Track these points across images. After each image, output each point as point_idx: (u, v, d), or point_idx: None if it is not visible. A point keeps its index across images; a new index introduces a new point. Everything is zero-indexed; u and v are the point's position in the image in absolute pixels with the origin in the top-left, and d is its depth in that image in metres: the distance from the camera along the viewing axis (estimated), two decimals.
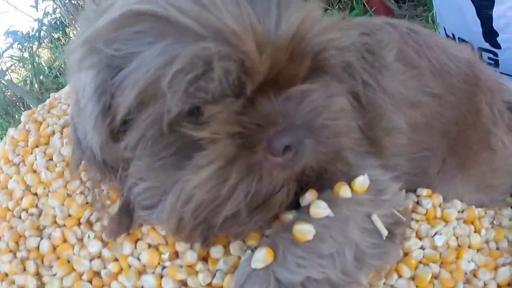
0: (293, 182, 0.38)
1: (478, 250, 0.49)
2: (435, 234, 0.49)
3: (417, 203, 0.53)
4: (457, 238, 0.49)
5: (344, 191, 0.40)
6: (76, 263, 0.45)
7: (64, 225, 0.48)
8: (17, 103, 2.18)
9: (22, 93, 2.00)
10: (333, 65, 0.41)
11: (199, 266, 0.43)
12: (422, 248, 0.48)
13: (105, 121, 0.35)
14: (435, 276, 0.47)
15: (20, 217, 0.51)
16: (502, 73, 0.64)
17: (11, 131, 0.60)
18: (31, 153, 0.56)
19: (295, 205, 0.41)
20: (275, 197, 0.37)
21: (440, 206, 0.52)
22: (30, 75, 2.26)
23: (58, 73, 2.28)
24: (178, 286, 0.42)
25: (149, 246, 0.45)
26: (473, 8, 0.69)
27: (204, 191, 0.34)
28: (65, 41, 2.35)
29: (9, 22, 2.21)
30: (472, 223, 0.51)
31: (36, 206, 0.51)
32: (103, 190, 0.47)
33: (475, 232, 0.51)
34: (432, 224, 0.50)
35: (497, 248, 0.51)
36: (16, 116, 2.05)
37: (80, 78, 0.36)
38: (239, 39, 0.31)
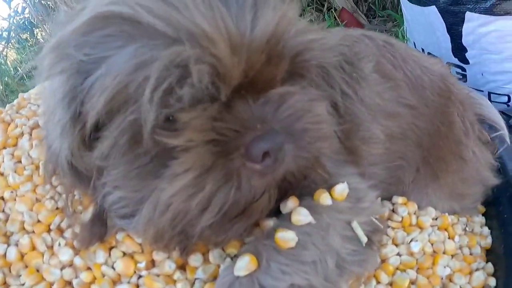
0: (274, 189, 0.37)
1: (452, 256, 0.51)
2: (411, 240, 0.50)
3: (393, 211, 0.54)
4: (432, 244, 0.51)
5: (324, 198, 0.40)
6: (46, 272, 0.42)
7: (33, 232, 0.45)
8: None
9: None
10: (312, 68, 0.40)
11: (177, 275, 0.41)
12: (398, 254, 0.49)
13: (75, 128, 0.34)
14: (413, 282, 0.47)
15: None
16: (470, 87, 0.68)
17: None
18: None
19: (275, 211, 0.41)
20: (255, 204, 0.36)
21: (415, 213, 0.53)
22: None
23: (24, 75, 2.17)
24: None
25: (124, 254, 0.42)
26: (444, 25, 0.73)
27: (180, 201, 0.32)
28: (33, 42, 2.25)
29: None
30: (446, 230, 0.53)
31: (3, 211, 0.48)
32: (74, 196, 0.45)
33: (449, 238, 0.52)
34: (408, 231, 0.51)
35: (471, 254, 0.52)
36: None
37: (50, 84, 0.35)
38: (211, 41, 0.29)
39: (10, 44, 2.34)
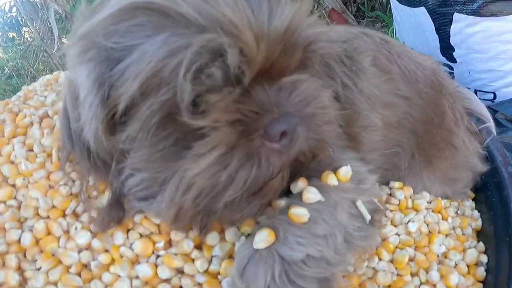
0: (287, 169, 0.39)
1: (446, 236, 0.53)
2: (408, 221, 0.53)
3: (390, 195, 0.57)
4: (427, 225, 0.53)
5: (331, 179, 0.42)
6: (63, 256, 0.42)
7: (48, 217, 0.45)
8: None
9: None
10: (317, 59, 0.42)
11: (195, 253, 0.42)
12: (397, 234, 0.52)
13: (103, 112, 0.34)
14: (411, 259, 0.50)
15: None
16: None
17: None
18: (8, 144, 0.52)
19: (284, 193, 0.42)
20: (271, 183, 0.38)
21: (410, 197, 0.56)
22: None
23: (12, 74, 2.12)
24: (174, 274, 0.41)
25: (141, 236, 0.43)
26: (433, 25, 0.76)
27: (206, 178, 0.34)
28: (20, 40, 2.20)
29: None
30: (440, 212, 0.55)
31: (15, 198, 0.47)
32: (89, 182, 0.45)
33: (442, 220, 0.55)
34: (405, 213, 0.54)
35: (463, 234, 0.55)
36: None
37: (79, 71, 0.35)
38: (239, 30, 0.31)
39: None
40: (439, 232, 0.53)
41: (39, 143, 0.50)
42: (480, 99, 0.65)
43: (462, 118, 0.60)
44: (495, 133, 0.61)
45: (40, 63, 2.13)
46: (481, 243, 0.55)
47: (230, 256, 0.42)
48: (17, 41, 2.24)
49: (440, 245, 0.52)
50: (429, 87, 0.57)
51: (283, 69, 0.36)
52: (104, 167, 0.40)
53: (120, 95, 0.33)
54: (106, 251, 0.43)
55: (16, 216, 0.45)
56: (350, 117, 0.51)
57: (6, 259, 0.43)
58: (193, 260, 0.42)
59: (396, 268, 0.49)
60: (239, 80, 0.33)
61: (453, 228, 0.55)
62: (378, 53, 0.56)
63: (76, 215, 0.45)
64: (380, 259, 0.49)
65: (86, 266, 0.43)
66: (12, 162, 0.50)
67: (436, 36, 0.76)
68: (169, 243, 0.43)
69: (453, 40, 0.74)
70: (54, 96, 0.58)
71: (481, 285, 0.51)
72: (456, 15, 0.70)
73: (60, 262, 0.43)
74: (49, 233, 0.44)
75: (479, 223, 0.57)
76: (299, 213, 0.39)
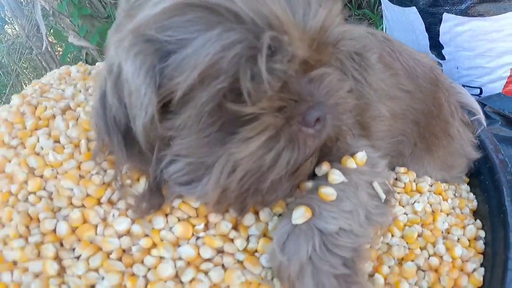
0: (316, 152, 0.42)
1: (448, 214, 0.57)
2: (414, 202, 0.57)
3: (396, 179, 0.61)
4: (430, 205, 0.57)
5: (350, 163, 0.45)
6: (104, 242, 0.41)
7: (82, 206, 0.45)
8: None
9: None
10: (342, 54, 0.46)
11: (233, 233, 0.43)
12: (405, 213, 0.55)
13: (156, 100, 0.35)
14: (419, 235, 0.54)
15: (27, 201, 0.46)
16: None
17: (3, 113, 0.54)
18: (31, 136, 0.51)
19: (309, 176, 0.45)
20: (305, 165, 0.41)
21: (414, 181, 0.60)
22: None
23: None
24: (215, 254, 0.42)
25: (179, 219, 0.44)
26: (423, 24, 0.80)
27: (253, 160, 0.36)
28: (4, 38, 2.09)
29: None
30: (440, 194, 0.60)
31: (44, 188, 0.46)
32: (122, 170, 0.45)
33: (443, 200, 0.59)
34: (410, 195, 0.58)
35: (462, 213, 0.60)
36: None
37: (129, 63, 0.35)
38: (287, 27, 0.34)
39: None
40: (441, 211, 0.57)
41: (65, 135, 0.49)
42: None
43: (456, 110, 0.65)
44: (485, 124, 0.66)
45: (24, 61, 2.04)
46: (478, 221, 0.59)
47: (265, 235, 0.44)
48: (0, 38, 2.12)
49: (443, 222, 0.56)
50: (428, 82, 0.61)
51: (315, 63, 0.39)
52: (141, 155, 0.40)
53: (176, 84, 0.34)
54: (146, 235, 0.43)
55: (50, 206, 0.44)
56: (362, 108, 0.54)
57: (43, 249, 0.42)
58: (231, 240, 0.43)
59: (407, 243, 0.53)
60: (282, 72, 0.35)
61: (453, 208, 0.60)
62: (382, 50, 0.59)
63: (111, 202, 0.45)
64: (392, 235, 0.52)
65: (124, 251, 0.43)
66: (37, 154, 0.49)
67: (426, 34, 0.80)
68: (206, 226, 0.44)
69: (442, 39, 0.78)
70: (72, 89, 0.57)
71: (481, 256, 0.55)
72: (445, 15, 0.75)
73: (99, 249, 0.42)
74: (85, 221, 0.44)
75: (474, 204, 0.62)
76: (328, 192, 0.42)
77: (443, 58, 0.82)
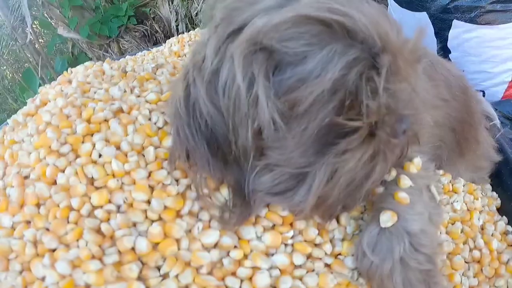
0: None
1: (480, 212, 0.62)
2: (453, 202, 0.61)
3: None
4: (466, 204, 0.61)
5: (412, 168, 0.46)
6: (194, 257, 0.38)
7: (160, 219, 0.41)
8: None
9: None
10: None
11: (318, 239, 0.42)
12: (447, 212, 0.59)
13: (273, 110, 0.34)
14: (461, 231, 0.57)
15: (91, 216, 0.40)
16: None
17: (44, 117, 0.46)
18: (83, 142, 0.44)
19: None
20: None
21: (450, 182, 0.64)
22: None
23: None
24: (305, 259, 0.41)
25: (264, 228, 0.42)
26: (433, 29, 0.84)
27: (353, 171, 0.36)
28: None
29: None
30: (472, 194, 0.63)
31: (110, 201, 0.41)
32: (203, 179, 0.42)
33: (474, 199, 0.63)
34: (449, 195, 0.61)
35: (490, 210, 0.64)
36: None
37: (241, 70, 0.33)
38: (398, 50, 0.35)
39: None
40: (475, 209, 0.61)
41: (126, 141, 0.44)
42: None
43: (482, 117, 0.70)
44: (501, 129, 0.72)
45: (6, 52, 1.80)
46: (504, 217, 0.64)
47: (343, 239, 0.44)
48: None
49: (478, 219, 0.60)
50: (460, 91, 0.65)
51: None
52: (223, 165, 0.38)
53: (298, 97, 0.33)
54: (235, 247, 0.40)
55: (126, 221, 0.39)
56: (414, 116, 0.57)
57: (124, 270, 0.37)
58: (316, 246, 0.42)
59: (452, 239, 0.56)
60: (392, 91, 0.36)
61: (483, 206, 0.64)
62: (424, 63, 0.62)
63: (192, 214, 0.41)
64: (440, 233, 0.55)
65: (215, 264, 0.40)
66: (94, 162, 0.43)
67: (435, 39, 0.84)
68: None
69: (450, 44, 0.82)
70: (117, 89, 0.51)
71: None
72: (455, 22, 0.79)
73: (187, 264, 0.39)
74: (166, 236, 0.40)
75: (498, 201, 0.67)
76: (403, 196, 0.43)
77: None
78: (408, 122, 0.39)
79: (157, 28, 1.68)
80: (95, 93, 0.50)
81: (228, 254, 0.40)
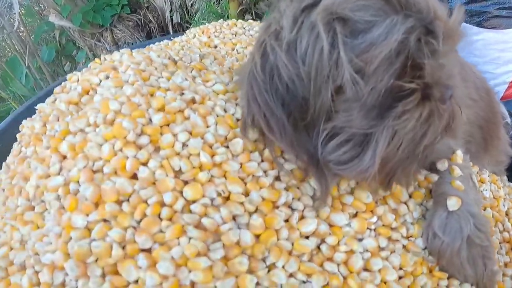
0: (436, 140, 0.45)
1: (504, 199, 0.68)
2: (482, 190, 0.68)
3: None
4: (491, 192, 0.68)
5: (458, 159, 0.52)
6: (297, 246, 0.38)
7: (256, 211, 0.39)
8: None
9: None
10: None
11: (394, 223, 0.45)
12: None
13: (350, 71, 0.35)
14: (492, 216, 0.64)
15: (185, 212, 0.37)
16: None
17: (112, 105, 0.40)
18: (161, 133, 0.40)
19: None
20: (431, 147, 0.43)
21: (478, 173, 0.70)
22: None
23: None
24: (388, 242, 0.43)
25: (350, 215, 0.43)
26: None
27: (411, 132, 0.39)
28: None
29: None
30: (495, 183, 0.70)
31: (204, 196, 0.38)
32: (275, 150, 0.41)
33: (498, 189, 0.70)
34: (478, 185, 0.69)
35: (511, 198, 0.72)
36: None
37: (322, 37, 0.35)
38: (445, 20, 0.38)
39: None
40: (499, 197, 0.70)
41: (210, 133, 0.41)
42: None
43: (501, 116, 0.79)
44: None
45: None
46: None
47: (413, 222, 0.47)
48: None
49: (503, 205, 0.68)
50: (485, 92, 0.72)
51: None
52: (296, 134, 0.39)
53: (368, 58, 0.35)
54: (329, 234, 0.41)
55: (229, 215, 0.37)
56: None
57: (233, 264, 0.36)
58: (391, 229, 0.45)
59: None
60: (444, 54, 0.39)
61: (506, 194, 0.73)
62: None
63: (287, 204, 0.41)
64: None
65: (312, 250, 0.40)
66: (177, 153, 0.40)
67: None
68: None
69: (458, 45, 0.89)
70: (180, 78, 0.47)
71: None
72: (464, 25, 0.83)
73: (290, 253, 0.38)
74: (267, 227, 0.39)
75: None
76: (459, 184, 0.48)
77: None
78: (451, 90, 0.42)
79: (150, 18, 1.57)
80: (156, 81, 0.46)
81: (324, 241, 0.41)
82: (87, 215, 0.37)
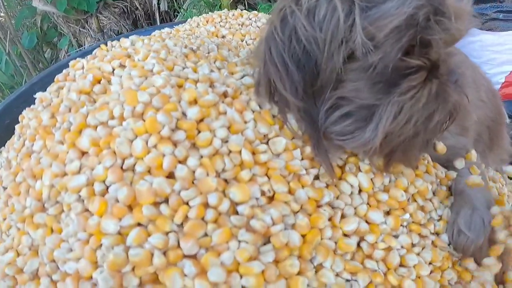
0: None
1: (508, 196, 0.73)
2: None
3: None
4: (496, 189, 0.72)
5: (473, 158, 0.55)
6: (342, 244, 0.37)
7: (300, 209, 0.37)
8: None
9: None
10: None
11: (423, 220, 0.46)
12: None
13: (362, 36, 0.36)
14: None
15: (234, 213, 0.34)
16: None
17: (141, 97, 0.36)
18: (198, 129, 0.37)
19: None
20: (436, 127, 0.43)
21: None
22: None
23: None
24: (419, 238, 0.44)
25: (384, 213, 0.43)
26: None
27: (415, 110, 0.39)
28: None
29: None
30: (499, 181, 0.74)
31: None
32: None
33: (502, 186, 0.76)
34: None
35: None
36: None
37: (339, 8, 0.36)
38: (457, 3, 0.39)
39: None
40: (503, 194, 0.73)
41: (250, 129, 0.39)
42: None
43: (504, 117, 0.83)
44: None
45: None
46: None
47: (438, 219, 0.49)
48: None
49: (507, 202, 0.71)
50: (491, 94, 0.76)
51: None
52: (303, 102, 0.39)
53: (379, 27, 0.36)
54: (368, 232, 0.40)
55: (279, 216, 0.35)
56: (464, 114, 0.61)
57: (284, 267, 0.34)
58: (422, 225, 0.46)
59: None
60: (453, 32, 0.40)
61: (509, 191, 0.78)
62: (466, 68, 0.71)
63: (329, 203, 0.40)
64: None
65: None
66: (217, 151, 0.37)
67: None
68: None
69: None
70: (207, 69, 0.44)
71: None
72: None
73: (334, 252, 0.38)
74: (312, 227, 0.37)
75: None
76: (479, 181, 0.50)
77: None
78: (458, 76, 0.43)
79: (137, 5, 1.47)
80: (182, 71, 0.42)
81: (363, 239, 0.40)
82: (120, 219, 0.33)
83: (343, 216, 0.40)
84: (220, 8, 1.21)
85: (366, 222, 0.41)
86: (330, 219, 0.39)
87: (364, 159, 0.44)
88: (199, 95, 0.39)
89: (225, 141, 0.38)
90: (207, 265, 0.32)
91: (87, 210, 0.35)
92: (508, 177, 0.78)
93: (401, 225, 0.44)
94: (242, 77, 0.46)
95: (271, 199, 0.37)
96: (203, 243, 0.33)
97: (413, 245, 0.43)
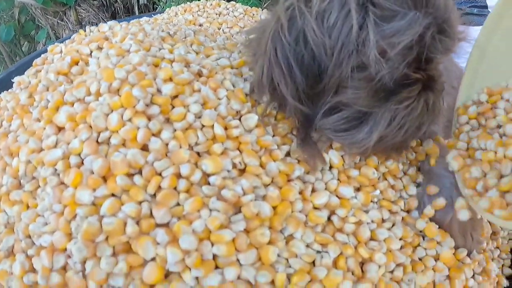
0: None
1: None
2: None
3: None
4: None
5: (441, 141, 0.57)
6: (312, 217, 0.39)
7: (271, 182, 0.39)
8: None
9: None
10: None
11: (393, 197, 0.47)
12: None
13: (374, 50, 0.37)
14: None
15: (206, 183, 0.36)
16: None
17: (118, 73, 0.37)
18: (172, 105, 0.38)
19: None
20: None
21: None
22: None
23: None
24: (389, 215, 0.46)
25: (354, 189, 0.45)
26: None
27: (409, 117, 0.41)
28: None
29: None
30: None
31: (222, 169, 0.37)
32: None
33: None
34: None
35: None
36: None
37: (355, 17, 0.36)
38: (457, 20, 0.42)
39: None
40: None
41: (223, 105, 0.40)
42: None
43: None
44: None
45: None
46: None
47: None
48: None
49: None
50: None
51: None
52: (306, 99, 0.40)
53: (393, 43, 0.37)
54: (340, 205, 0.42)
55: (250, 187, 0.37)
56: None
57: (255, 236, 0.35)
58: (391, 202, 0.48)
59: None
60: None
61: None
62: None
63: (299, 177, 0.41)
64: None
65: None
66: (190, 125, 0.38)
67: None
68: None
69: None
70: (183, 50, 0.45)
71: None
72: None
73: (304, 224, 0.39)
74: (283, 199, 0.39)
75: None
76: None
77: None
78: (444, 86, 0.48)
79: None
80: (159, 52, 0.44)
81: (334, 213, 0.42)
82: (94, 190, 0.34)
83: (313, 190, 0.42)
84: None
85: (337, 196, 0.43)
86: (300, 193, 0.41)
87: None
88: (174, 73, 0.41)
89: (198, 116, 0.39)
90: (179, 233, 0.33)
91: (62, 183, 0.36)
92: None
93: (371, 201, 0.45)
94: (218, 59, 0.47)
95: (242, 171, 0.39)
96: (175, 212, 0.35)
97: (383, 220, 0.45)
